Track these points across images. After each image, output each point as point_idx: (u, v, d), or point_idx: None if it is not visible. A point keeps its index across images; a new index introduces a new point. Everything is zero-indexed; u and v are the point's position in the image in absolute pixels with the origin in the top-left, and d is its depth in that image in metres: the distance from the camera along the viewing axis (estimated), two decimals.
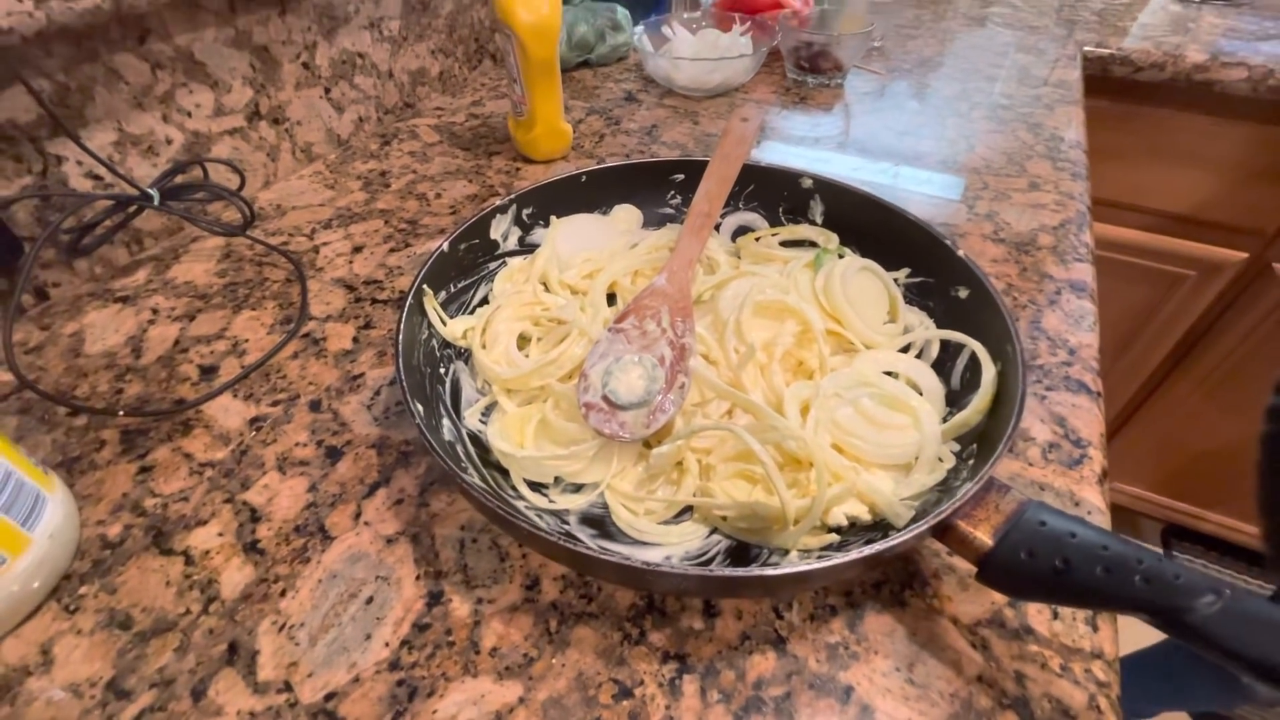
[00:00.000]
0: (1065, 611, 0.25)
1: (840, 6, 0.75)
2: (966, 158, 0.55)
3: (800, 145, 0.57)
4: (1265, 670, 0.17)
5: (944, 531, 0.23)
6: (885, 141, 0.58)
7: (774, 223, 0.41)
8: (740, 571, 0.22)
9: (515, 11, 0.46)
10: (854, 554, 0.21)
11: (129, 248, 0.45)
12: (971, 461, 0.27)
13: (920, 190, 0.51)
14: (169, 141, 0.45)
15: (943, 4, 0.92)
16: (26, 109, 0.37)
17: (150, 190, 0.41)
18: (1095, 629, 0.25)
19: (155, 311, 0.40)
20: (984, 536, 0.22)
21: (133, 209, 0.41)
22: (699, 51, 0.65)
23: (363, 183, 0.53)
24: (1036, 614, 0.25)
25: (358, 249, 0.46)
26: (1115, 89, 0.81)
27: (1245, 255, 0.87)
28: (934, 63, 0.74)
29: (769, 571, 0.20)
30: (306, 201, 0.51)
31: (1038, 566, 0.21)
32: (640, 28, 0.67)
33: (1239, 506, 1.14)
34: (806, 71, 0.66)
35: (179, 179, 0.44)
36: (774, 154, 0.56)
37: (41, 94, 0.36)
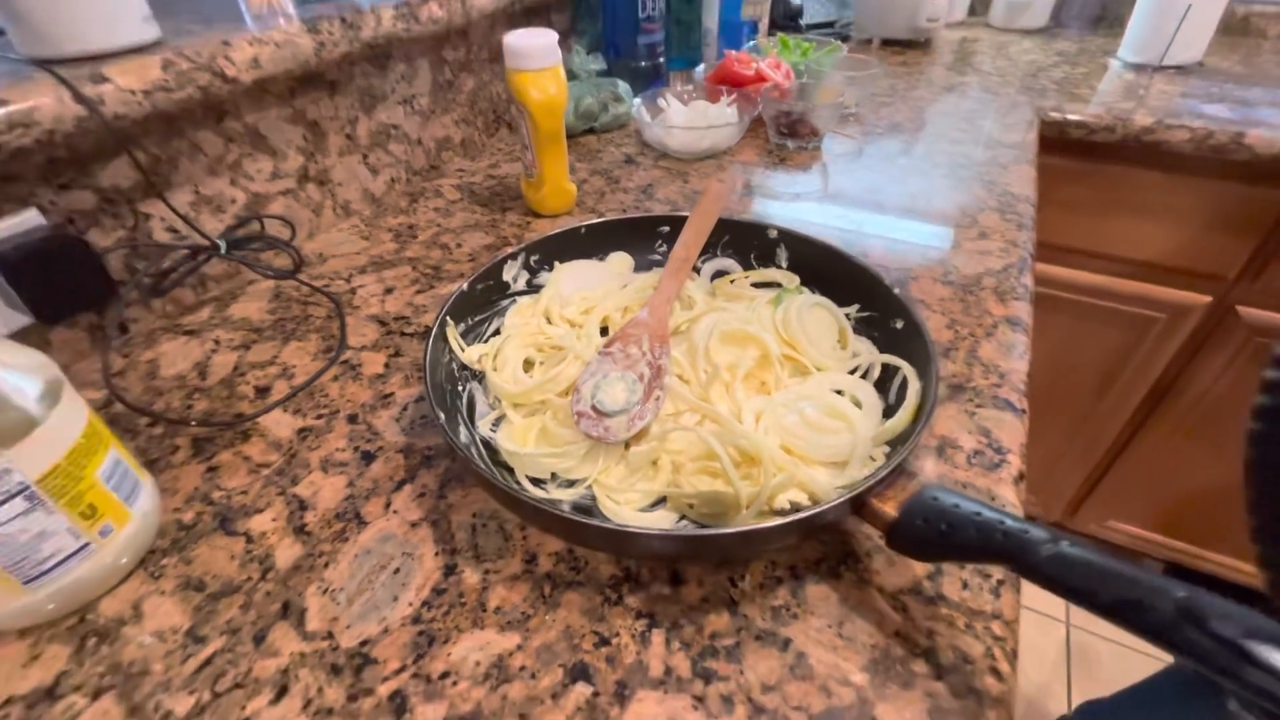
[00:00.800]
0: (973, 581, 0.30)
1: (818, 80, 0.84)
2: (926, 210, 0.62)
3: (781, 200, 0.65)
4: (1076, 594, 0.22)
5: (860, 506, 0.28)
6: (856, 196, 0.65)
7: (746, 267, 0.48)
8: (695, 531, 0.27)
9: (528, 91, 0.55)
10: (785, 520, 0.26)
11: (195, 290, 0.52)
12: None
13: (884, 236, 0.58)
14: (234, 201, 0.53)
15: (915, 75, 1.02)
16: (126, 176, 0.45)
17: (218, 241, 0.48)
18: (998, 596, 0.30)
19: (217, 342, 0.47)
20: (890, 510, 0.28)
21: (203, 257, 0.49)
22: (690, 120, 0.74)
23: (393, 234, 0.61)
24: (949, 584, 0.30)
25: (389, 290, 0.53)
26: (1076, 149, 0.89)
27: (1209, 299, 0.92)
28: (904, 127, 0.82)
29: (716, 531, 0.26)
30: (345, 250, 0.59)
31: (929, 531, 0.26)
32: (639, 100, 0.76)
33: (1236, 544, 1.16)
34: (786, 136, 0.75)
35: (241, 231, 0.52)
36: (758, 207, 0.64)
37: (141, 164, 0.44)
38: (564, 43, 0.92)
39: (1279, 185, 0.81)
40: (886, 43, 1.16)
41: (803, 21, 1.17)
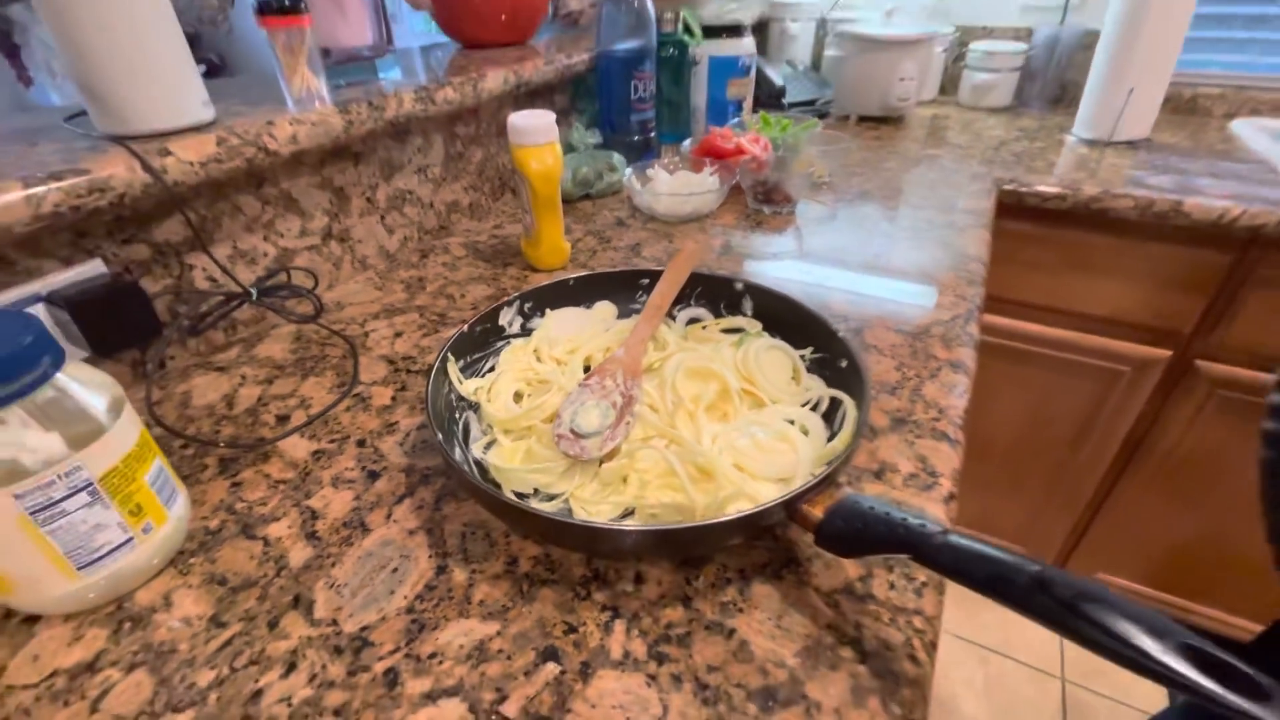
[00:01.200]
0: (899, 583, 0.35)
1: (794, 153, 0.93)
2: (887, 268, 0.69)
3: (756, 259, 0.72)
4: (958, 574, 0.27)
5: (793, 510, 0.33)
6: (825, 255, 0.72)
7: (716, 315, 0.54)
8: (650, 526, 0.32)
9: (528, 163, 0.63)
10: (729, 517, 0.31)
11: (226, 331, 0.58)
12: None
13: (848, 290, 0.64)
14: (265, 254, 0.60)
15: (887, 148, 1.11)
16: (176, 232, 0.52)
17: (250, 289, 0.55)
18: (920, 595, 0.34)
19: (244, 377, 0.53)
20: (818, 513, 0.32)
21: (236, 303, 0.55)
22: (675, 188, 0.82)
23: (404, 286, 0.68)
24: (878, 585, 0.35)
25: (398, 334, 0.59)
26: (1037, 215, 0.97)
27: (1169, 353, 0.98)
28: (873, 195, 0.90)
29: (668, 526, 0.31)
30: (360, 299, 0.65)
31: (847, 529, 0.31)
32: (630, 169, 0.84)
33: (1223, 599, 1.16)
34: (763, 202, 0.83)
35: (270, 281, 0.59)
36: (734, 265, 0.70)
37: (192, 223, 0.51)
38: (564, 119, 1.02)
39: (1220, 249, 0.88)
40: (863, 119, 1.27)
41: (785, 100, 1.28)
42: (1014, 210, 0.97)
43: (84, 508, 0.31)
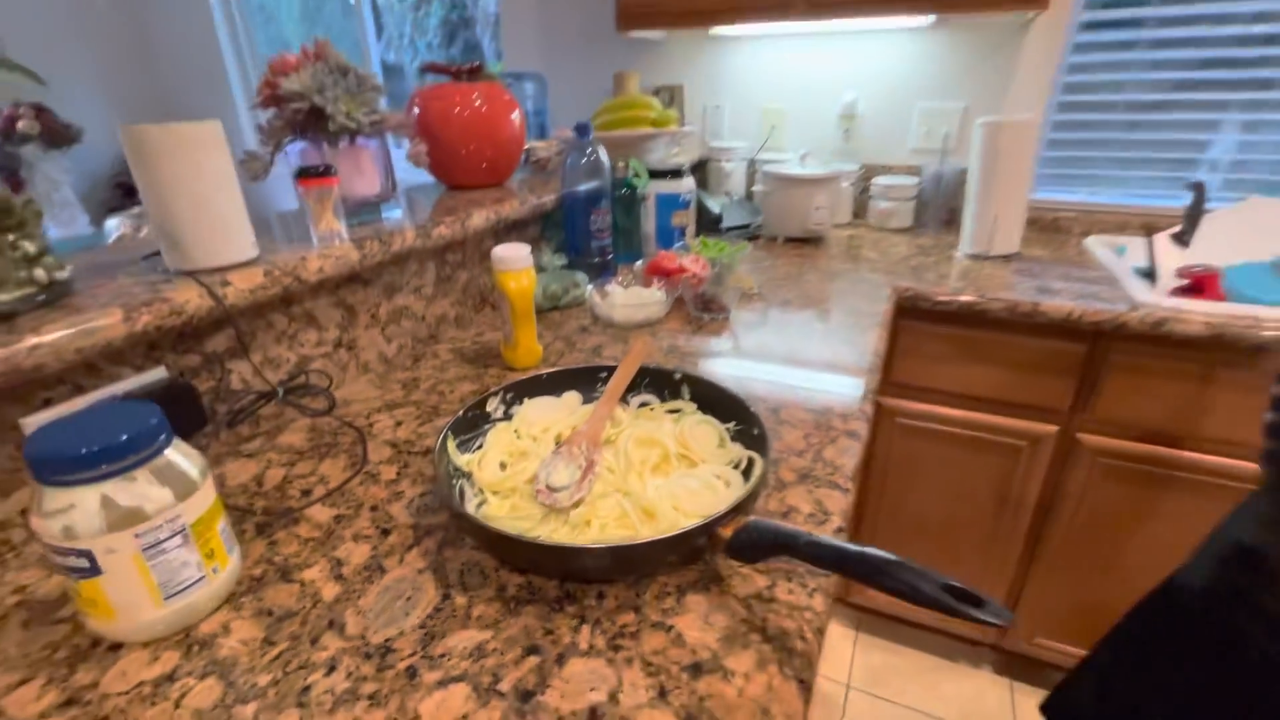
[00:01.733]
0: (795, 589, 0.46)
1: (728, 269, 1.12)
2: (804, 360, 0.84)
3: (697, 356, 0.87)
4: (818, 561, 0.39)
5: (710, 533, 0.45)
6: (753, 352, 0.87)
7: (661, 399, 0.68)
8: (605, 544, 0.43)
9: (508, 284, 0.78)
10: (660, 537, 0.43)
11: (251, 425, 0.69)
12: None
13: (770, 380, 0.79)
14: (288, 360, 0.72)
15: (809, 264, 1.32)
16: (221, 343, 0.65)
17: (278, 388, 0.67)
18: (812, 596, 0.46)
19: (270, 461, 0.64)
20: (727, 533, 0.44)
21: (265, 400, 0.67)
22: (628, 300, 0.98)
23: (401, 385, 0.80)
24: (780, 591, 0.46)
25: (398, 424, 0.71)
26: (934, 316, 1.16)
27: (1055, 428, 1.15)
28: (794, 302, 1.08)
29: (616, 544, 0.42)
30: (365, 396, 0.77)
31: (747, 541, 0.43)
32: (591, 286, 1.01)
33: None
34: (702, 310, 0.99)
35: (292, 382, 0.70)
36: (678, 361, 0.85)
37: (240, 336, 0.63)
38: (536, 245, 1.20)
39: (1076, 340, 1.08)
40: (788, 240, 1.50)
41: (723, 225, 1.50)
42: (916, 313, 1.17)
43: (178, 547, 0.41)
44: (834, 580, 0.48)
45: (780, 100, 1.73)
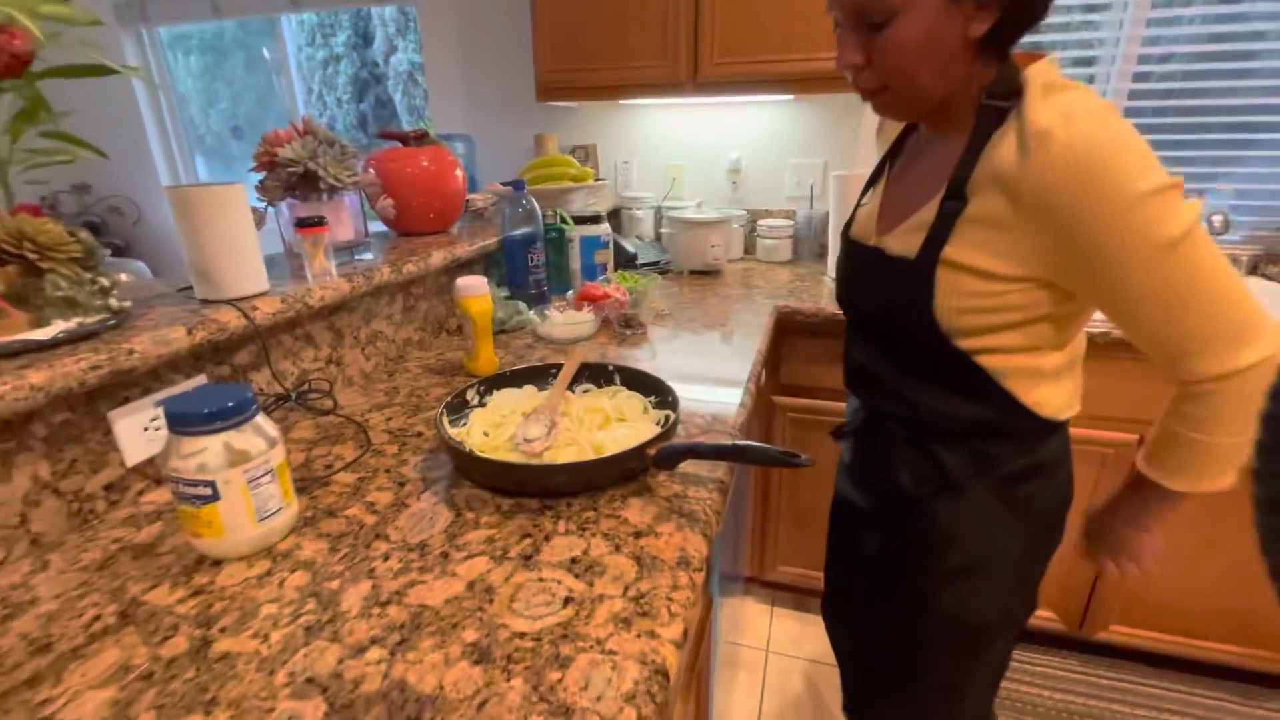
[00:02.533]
0: (702, 490, 0.68)
1: (643, 296, 1.37)
2: (706, 370, 1.09)
3: (624, 359, 1.09)
4: (698, 454, 0.62)
5: (642, 453, 0.67)
6: (664, 358, 1.11)
7: (599, 386, 0.90)
8: (567, 463, 0.64)
9: (470, 306, 0.98)
10: (603, 456, 0.64)
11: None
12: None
13: (679, 374, 1.02)
14: (293, 373, 0.88)
15: (709, 291, 1.60)
16: (245, 358, 0.81)
17: (291, 393, 0.83)
18: (710, 494, 0.68)
19: (290, 450, 0.79)
20: (652, 452, 0.66)
21: (280, 403, 0.82)
22: (564, 321, 1.20)
23: (384, 393, 0.97)
24: (692, 492, 0.68)
25: (389, 419, 0.88)
26: (806, 328, 1.45)
27: None
28: (698, 319, 1.34)
29: (575, 461, 0.63)
30: (355, 403, 0.94)
31: (666, 453, 0.65)
32: (533, 311, 1.22)
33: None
34: (625, 327, 1.23)
35: (300, 389, 0.86)
36: (613, 360, 1.07)
37: (265, 350, 0.80)
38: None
39: None
40: (692, 273, 1.78)
41: (637, 261, 1.76)
42: (795, 326, 1.45)
43: (269, 483, 0.58)
44: (727, 475, 0.71)
45: (680, 157, 2.04)
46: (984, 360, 0.66)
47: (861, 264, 0.76)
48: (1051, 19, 1.54)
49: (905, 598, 0.80)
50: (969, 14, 0.57)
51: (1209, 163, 1.62)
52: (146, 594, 0.55)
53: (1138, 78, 1.61)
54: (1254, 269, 1.62)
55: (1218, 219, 1.44)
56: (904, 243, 0.67)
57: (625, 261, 1.76)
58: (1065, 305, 0.63)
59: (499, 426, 0.78)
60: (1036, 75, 0.58)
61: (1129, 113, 1.63)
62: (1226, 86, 1.56)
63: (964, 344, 0.65)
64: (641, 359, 1.10)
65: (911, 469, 0.75)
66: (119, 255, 2.63)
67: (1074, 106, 0.55)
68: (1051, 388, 0.67)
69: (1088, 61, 1.64)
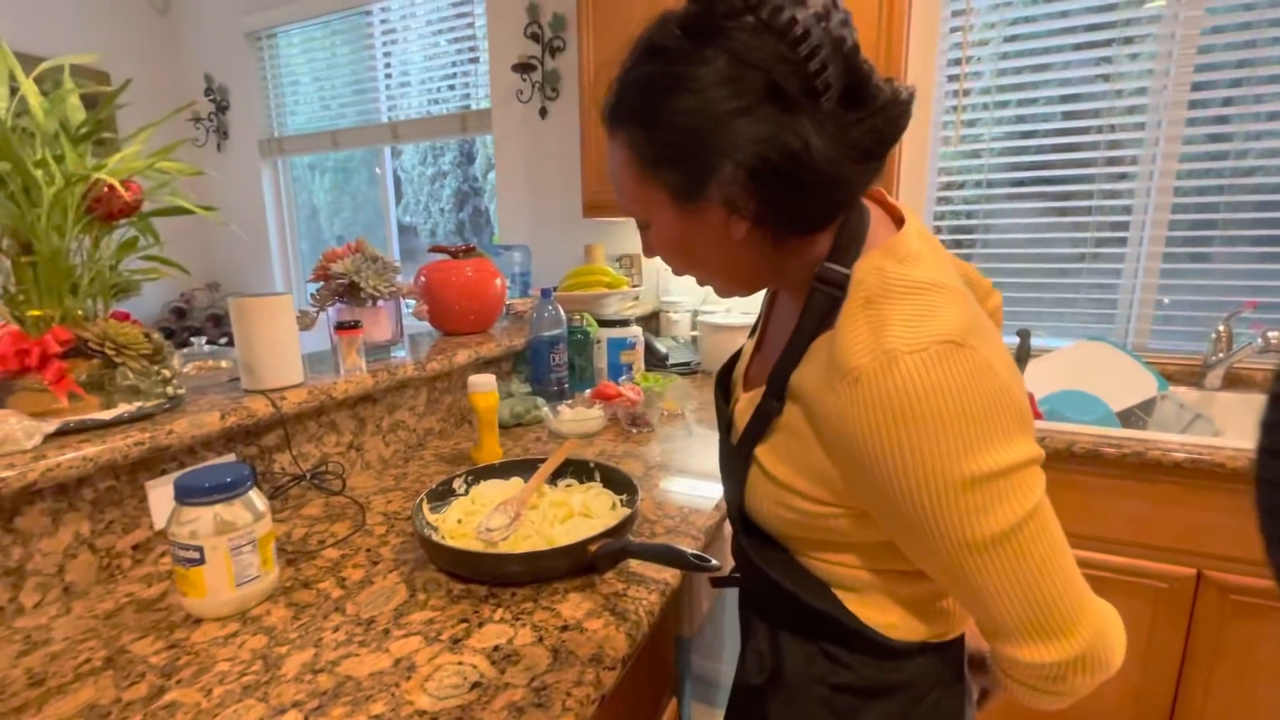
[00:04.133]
0: (643, 590, 0.71)
1: (659, 396, 1.43)
2: (699, 468, 1.12)
3: (623, 457, 1.14)
4: (635, 555, 0.65)
5: (583, 550, 0.71)
6: (673, 458, 1.15)
7: (580, 481, 0.95)
8: (515, 552, 0.69)
9: (477, 401, 1.08)
10: (550, 548, 0.69)
11: (282, 500, 0.95)
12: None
13: (674, 469, 1.06)
14: (314, 455, 1.00)
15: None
16: (273, 440, 0.93)
17: (306, 474, 0.94)
18: (650, 593, 0.70)
19: (295, 525, 0.89)
20: (595, 549, 0.70)
21: (295, 482, 0.94)
22: (575, 416, 1.27)
23: (394, 478, 1.07)
24: (632, 591, 0.71)
25: (389, 502, 0.97)
26: None
27: None
28: (707, 422, 1.37)
29: (523, 552, 0.68)
30: (366, 485, 1.04)
31: (604, 553, 0.69)
32: (548, 408, 1.31)
33: None
34: (631, 425, 1.29)
35: (316, 470, 0.98)
36: (606, 460, 1.12)
37: (287, 435, 0.92)
38: (508, 376, 1.52)
39: None
40: None
41: (669, 362, 1.84)
42: None
43: (248, 552, 0.67)
44: (676, 579, 0.73)
45: None
46: (817, 569, 0.55)
47: (721, 416, 0.66)
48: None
49: None
50: (720, 220, 0.49)
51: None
52: (133, 643, 0.63)
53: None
54: None
55: (1275, 335, 1.34)
56: (742, 414, 0.58)
57: (658, 362, 1.84)
58: None
59: (472, 515, 0.84)
60: (865, 275, 0.47)
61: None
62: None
63: (792, 545, 0.56)
64: (638, 456, 1.15)
65: (757, 652, 0.61)
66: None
67: (899, 340, 0.42)
68: (903, 610, 0.54)
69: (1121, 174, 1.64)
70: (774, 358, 0.53)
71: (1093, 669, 0.46)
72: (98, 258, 0.81)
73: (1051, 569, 0.44)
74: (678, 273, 0.57)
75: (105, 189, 0.77)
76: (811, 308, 0.49)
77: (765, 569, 0.56)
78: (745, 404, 0.58)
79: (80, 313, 0.79)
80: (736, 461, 0.56)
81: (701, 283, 0.58)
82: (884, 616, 0.54)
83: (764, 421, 0.53)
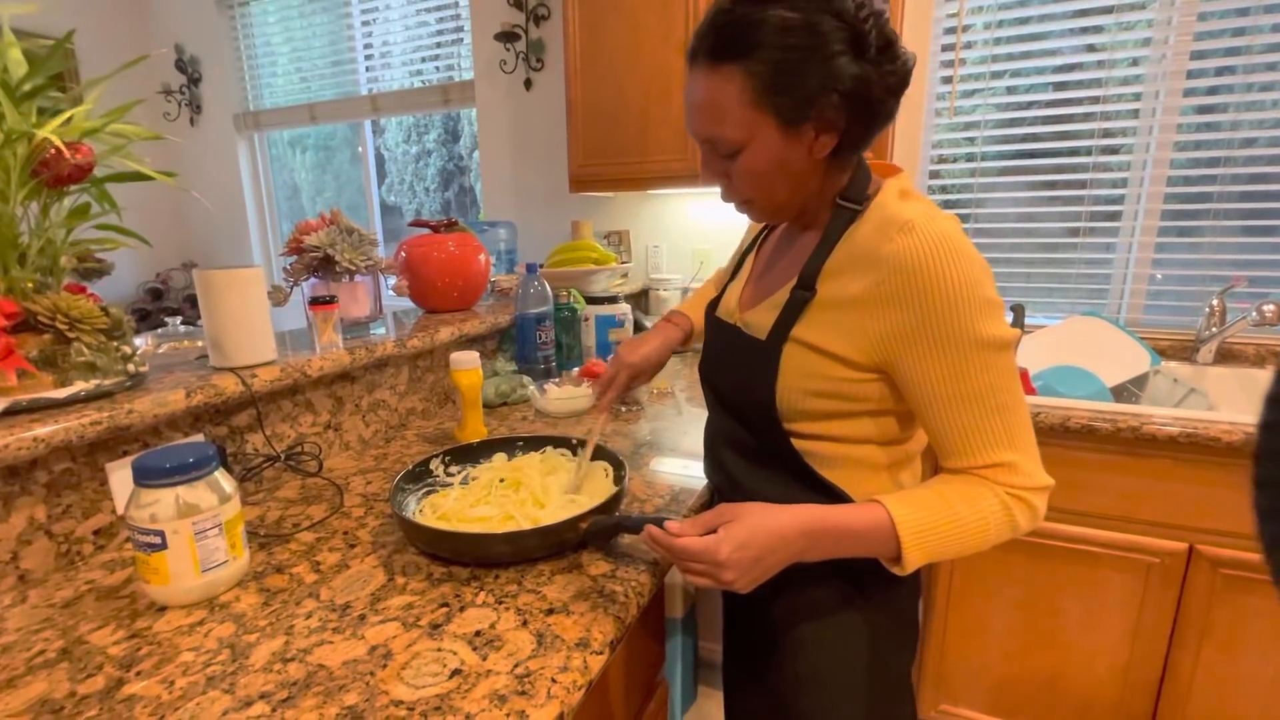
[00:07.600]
0: (633, 571, 0.68)
1: None
2: (691, 447, 1.09)
3: (612, 435, 1.11)
4: (617, 531, 0.62)
5: (574, 526, 0.68)
6: (663, 437, 1.12)
7: (573, 453, 0.92)
8: (495, 532, 0.66)
9: (460, 378, 1.04)
10: (535, 526, 0.66)
11: (256, 482, 0.91)
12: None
13: (659, 446, 1.03)
14: (290, 435, 0.96)
15: None
16: (244, 420, 0.89)
17: (281, 454, 0.90)
18: (640, 573, 0.67)
19: (269, 507, 0.86)
20: (585, 525, 0.67)
21: (269, 463, 0.90)
22: (561, 395, 1.24)
23: (374, 459, 1.03)
24: (621, 571, 0.68)
25: (369, 483, 0.93)
26: None
27: None
28: (697, 400, 1.34)
29: (504, 531, 0.65)
30: (345, 466, 1.00)
31: (593, 531, 0.66)
32: (534, 385, 1.27)
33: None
34: (621, 405, 1.25)
35: (292, 451, 0.94)
36: (604, 439, 1.09)
37: (259, 414, 0.88)
38: (493, 355, 1.48)
39: None
40: None
41: None
42: None
43: (214, 536, 0.63)
44: (665, 560, 0.70)
45: (706, 241, 2.11)
46: (822, 448, 0.67)
47: (721, 340, 0.77)
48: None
49: (768, 696, 0.75)
50: (810, 140, 0.61)
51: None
52: (92, 634, 0.60)
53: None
54: None
55: (1270, 309, 1.33)
56: (759, 320, 0.69)
57: None
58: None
59: (459, 499, 0.81)
60: (893, 184, 0.65)
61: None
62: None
63: (804, 428, 0.67)
64: (632, 435, 1.12)
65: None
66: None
67: (930, 210, 0.60)
68: (887, 481, 0.69)
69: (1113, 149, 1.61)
70: (783, 273, 0.70)
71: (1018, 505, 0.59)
72: (46, 225, 0.76)
73: (1026, 408, 0.60)
74: (732, 196, 0.68)
75: (51, 151, 0.71)
76: (837, 218, 0.65)
77: (754, 481, 0.72)
78: (764, 310, 0.70)
79: (30, 284, 0.74)
80: (764, 357, 0.67)
81: (745, 204, 0.68)
82: (864, 488, 0.67)
83: (797, 309, 0.65)
